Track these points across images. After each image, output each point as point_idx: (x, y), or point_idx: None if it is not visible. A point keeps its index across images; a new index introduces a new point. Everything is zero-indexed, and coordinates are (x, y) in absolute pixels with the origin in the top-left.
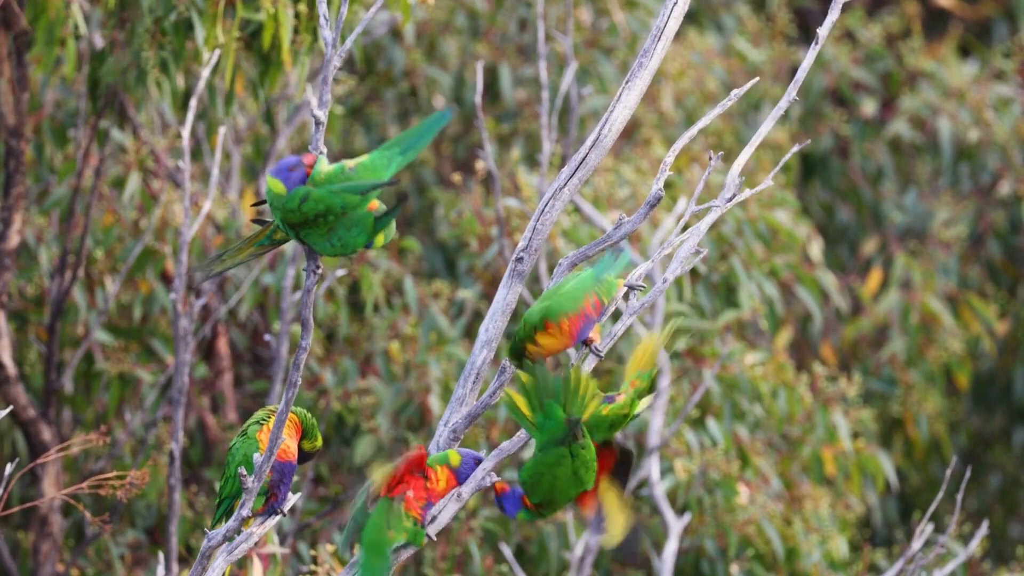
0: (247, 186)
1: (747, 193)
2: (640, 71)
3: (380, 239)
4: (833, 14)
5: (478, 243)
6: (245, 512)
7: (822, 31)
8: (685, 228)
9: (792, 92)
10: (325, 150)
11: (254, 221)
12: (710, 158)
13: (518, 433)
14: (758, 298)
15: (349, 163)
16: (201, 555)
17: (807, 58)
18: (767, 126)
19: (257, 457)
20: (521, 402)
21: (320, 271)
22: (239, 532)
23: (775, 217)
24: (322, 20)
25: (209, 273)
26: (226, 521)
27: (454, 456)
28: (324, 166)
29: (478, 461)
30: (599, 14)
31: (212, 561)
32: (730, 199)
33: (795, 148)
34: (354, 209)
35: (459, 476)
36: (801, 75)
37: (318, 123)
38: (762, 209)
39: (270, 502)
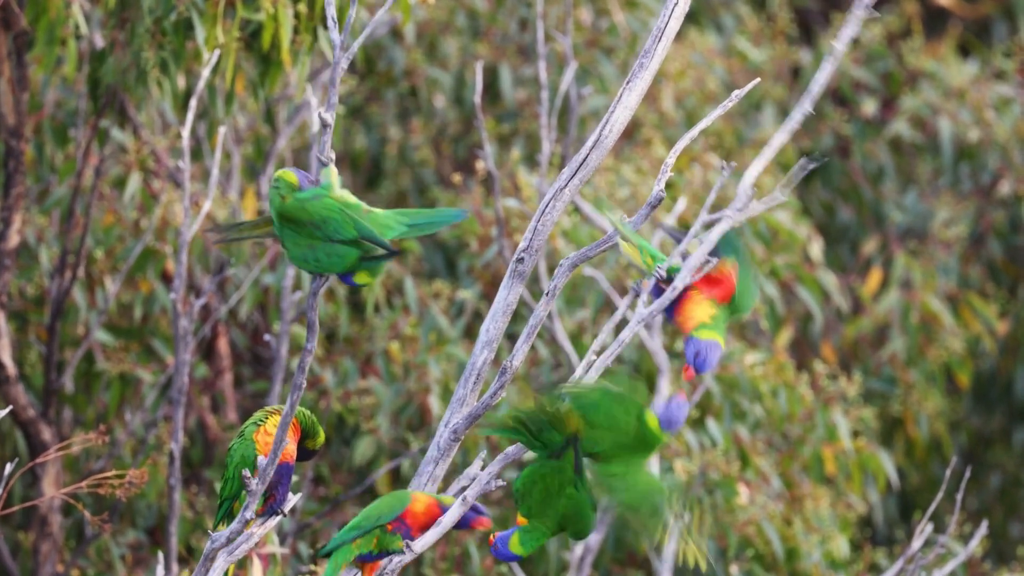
0: (248, 186)
1: (759, 207)
2: (641, 71)
3: (364, 278)
4: (851, 27)
5: (478, 243)
6: (248, 514)
7: (839, 44)
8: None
9: (807, 104)
10: (333, 156)
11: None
12: (723, 168)
13: None
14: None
15: (365, 206)
16: (204, 557)
17: (821, 72)
18: (780, 138)
19: (261, 460)
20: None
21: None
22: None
23: (775, 217)
24: (330, 23)
25: (224, 237)
26: (226, 521)
27: (448, 500)
28: (333, 176)
29: (477, 511)
30: (599, 14)
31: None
32: (740, 210)
33: (803, 164)
34: (342, 242)
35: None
36: (816, 88)
37: (325, 126)
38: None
39: (268, 503)
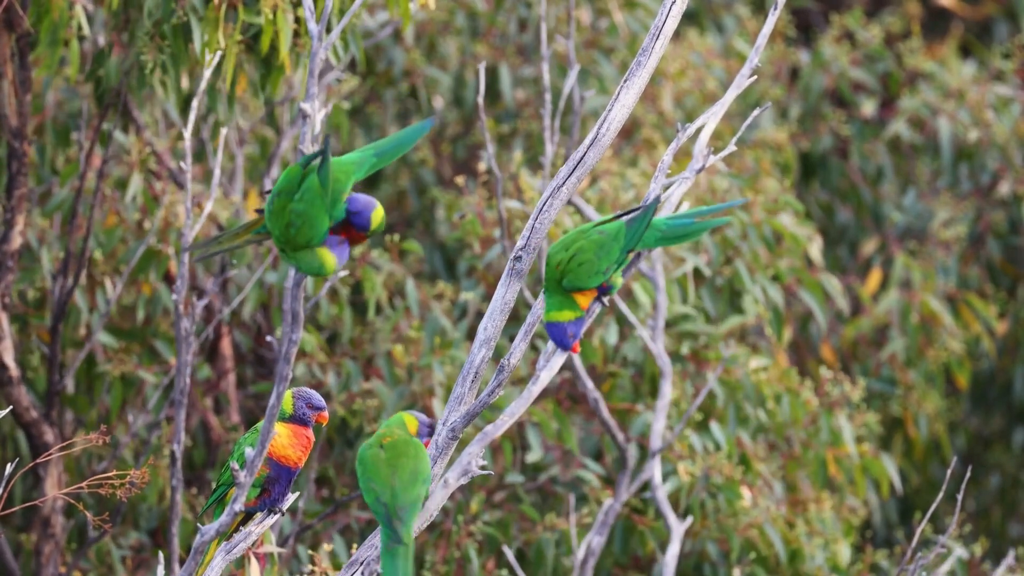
0: (251, 187)
1: (712, 159)
2: (638, 70)
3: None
4: None
5: (480, 245)
6: (237, 507)
7: None
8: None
9: (754, 58)
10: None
11: (258, 211)
12: (678, 129)
13: (501, 417)
14: (762, 303)
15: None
16: (194, 551)
17: (767, 24)
18: (732, 93)
19: (248, 451)
20: None
21: None
22: (238, 529)
23: (779, 221)
24: (307, 12)
25: (204, 253)
26: (218, 507)
27: (410, 422)
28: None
29: (431, 427)
30: (599, 14)
31: (209, 557)
32: (699, 170)
33: (759, 106)
34: (298, 182)
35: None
36: (762, 41)
37: (305, 116)
38: (767, 214)
39: (263, 497)
